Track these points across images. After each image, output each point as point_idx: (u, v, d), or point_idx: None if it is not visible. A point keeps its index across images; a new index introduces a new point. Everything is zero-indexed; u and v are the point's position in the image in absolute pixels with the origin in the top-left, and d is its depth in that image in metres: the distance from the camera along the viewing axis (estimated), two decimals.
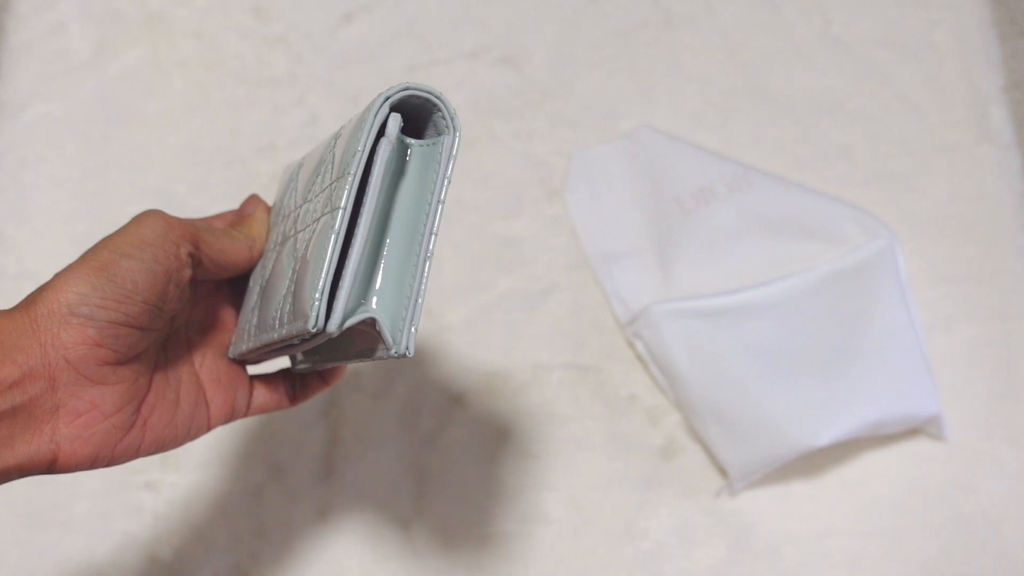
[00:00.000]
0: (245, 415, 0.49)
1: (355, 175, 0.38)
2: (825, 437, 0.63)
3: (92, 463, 0.41)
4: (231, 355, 0.48)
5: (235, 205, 0.74)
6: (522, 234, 0.73)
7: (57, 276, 0.41)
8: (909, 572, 0.64)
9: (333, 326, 0.37)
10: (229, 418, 0.48)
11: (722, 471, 0.66)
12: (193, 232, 0.44)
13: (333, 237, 0.37)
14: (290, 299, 0.40)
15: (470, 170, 0.75)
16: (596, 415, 0.68)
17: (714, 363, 0.65)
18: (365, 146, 0.38)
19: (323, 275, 0.37)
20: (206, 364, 0.48)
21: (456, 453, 0.67)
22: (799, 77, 0.77)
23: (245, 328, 0.46)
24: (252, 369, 0.51)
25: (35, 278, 0.72)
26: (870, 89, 0.77)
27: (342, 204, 0.37)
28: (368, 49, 0.79)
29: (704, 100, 0.77)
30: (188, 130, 0.77)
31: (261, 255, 0.48)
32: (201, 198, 0.74)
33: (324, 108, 0.77)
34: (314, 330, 0.37)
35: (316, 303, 0.37)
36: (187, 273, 0.44)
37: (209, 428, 0.47)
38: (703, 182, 0.70)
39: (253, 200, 0.50)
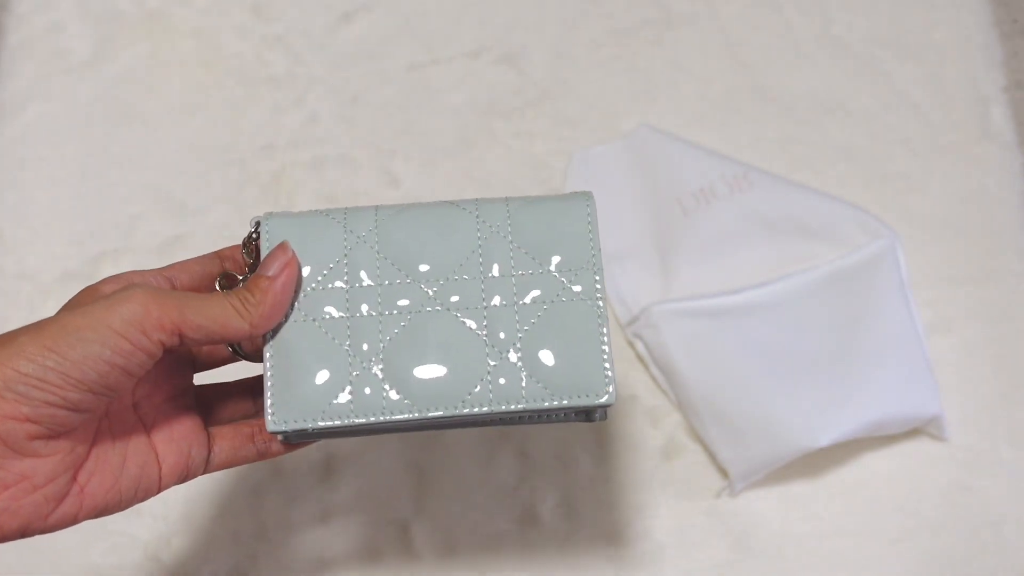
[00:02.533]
0: (207, 471, 0.47)
1: (599, 271, 0.46)
2: (826, 437, 0.63)
3: (22, 534, 0.39)
4: (294, 427, 0.45)
5: (234, 205, 0.74)
6: None
7: (4, 341, 0.39)
8: (909, 572, 0.64)
9: (614, 399, 0.45)
10: (184, 477, 0.45)
11: (722, 471, 0.66)
12: (176, 316, 0.41)
13: (601, 323, 0.46)
14: (521, 375, 0.45)
15: (470, 170, 0.75)
16: None
17: (714, 363, 0.65)
18: (598, 247, 0.47)
19: (603, 358, 0.45)
20: (158, 422, 0.45)
21: (456, 453, 0.67)
22: (799, 77, 0.77)
23: (332, 398, 0.45)
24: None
25: (34, 278, 0.72)
26: (870, 89, 0.77)
27: (599, 295, 0.46)
28: (368, 49, 0.79)
29: (704, 100, 0.77)
30: (187, 129, 0.77)
31: (267, 327, 0.44)
32: (200, 198, 0.74)
33: (324, 108, 0.77)
34: (602, 403, 0.45)
35: (607, 383, 0.45)
36: (154, 360, 0.41)
37: (160, 489, 0.45)
38: (703, 182, 0.70)
39: (281, 258, 0.45)
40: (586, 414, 0.47)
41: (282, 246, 0.45)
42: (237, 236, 0.68)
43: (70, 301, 0.43)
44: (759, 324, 0.66)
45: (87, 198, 0.75)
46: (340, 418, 0.44)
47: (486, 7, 0.80)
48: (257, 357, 0.47)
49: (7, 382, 0.38)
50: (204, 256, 0.48)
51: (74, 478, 0.41)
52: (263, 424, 0.47)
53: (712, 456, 0.66)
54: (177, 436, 0.45)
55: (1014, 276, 0.71)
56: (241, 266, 0.48)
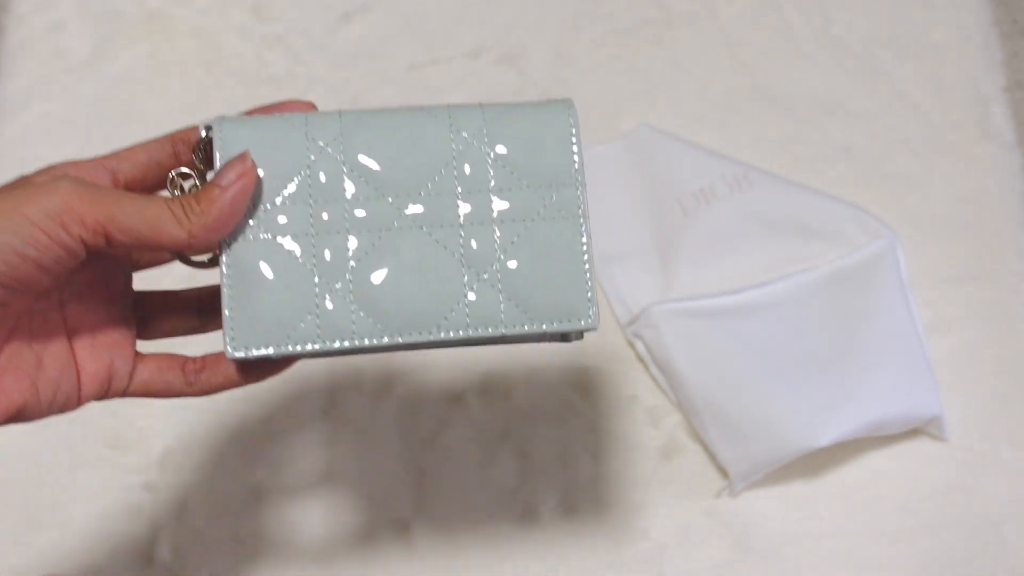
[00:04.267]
0: (126, 393, 0.43)
1: (582, 186, 0.44)
2: (826, 437, 0.63)
3: None
4: (256, 354, 0.41)
5: None
6: None
7: None
8: (909, 572, 0.64)
9: (598, 322, 0.43)
10: (105, 390, 0.42)
11: (722, 471, 0.66)
12: (102, 214, 0.37)
13: (584, 242, 0.43)
14: (499, 298, 0.43)
15: None
16: (596, 415, 0.68)
17: (714, 363, 0.65)
18: (581, 160, 0.44)
19: (586, 278, 0.43)
20: (83, 326, 0.42)
21: (456, 453, 0.67)
22: (799, 77, 0.77)
23: (298, 321, 0.42)
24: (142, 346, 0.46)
25: None
26: (870, 89, 0.77)
27: (582, 213, 0.44)
28: (368, 49, 0.79)
29: (704, 100, 0.77)
30: None
31: (209, 239, 0.40)
32: None
33: (324, 107, 0.77)
34: (585, 327, 0.43)
35: (589, 304, 0.43)
36: (76, 259, 0.38)
37: (81, 399, 0.42)
38: (704, 182, 0.70)
39: (238, 167, 0.41)
40: (562, 335, 0.45)
41: (242, 156, 0.41)
42: None
43: None
44: (759, 324, 0.66)
45: None
46: (306, 343, 0.41)
47: (486, 7, 0.80)
48: (201, 265, 0.44)
49: None
50: (153, 141, 0.43)
51: None
52: (197, 358, 0.44)
53: (712, 456, 0.66)
54: (100, 343, 0.42)
55: (1014, 276, 0.71)
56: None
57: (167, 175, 0.43)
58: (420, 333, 0.42)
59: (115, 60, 0.79)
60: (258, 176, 0.42)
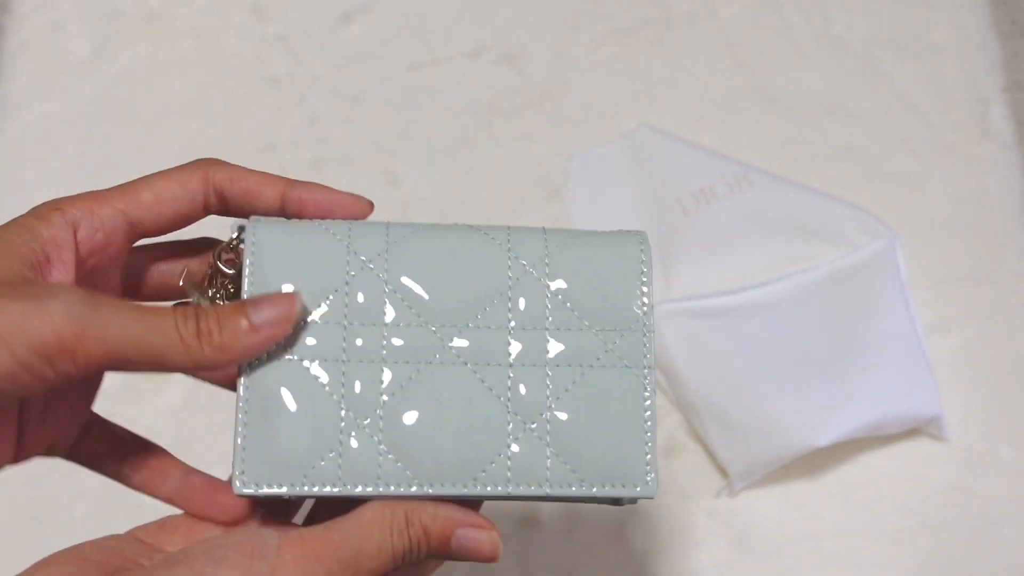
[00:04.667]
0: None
1: (650, 333, 0.39)
2: (825, 437, 0.63)
3: None
4: (266, 492, 0.37)
5: None
6: None
7: None
8: (909, 572, 0.64)
9: (656, 490, 0.39)
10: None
11: (722, 471, 0.66)
12: (101, 348, 0.32)
13: (647, 396, 0.39)
14: (546, 452, 0.38)
15: (470, 170, 0.75)
16: None
17: (714, 363, 0.65)
18: (651, 303, 0.40)
19: (646, 439, 0.38)
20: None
21: None
22: (799, 77, 0.77)
23: (318, 458, 0.37)
24: None
25: None
26: (870, 89, 0.77)
27: (648, 364, 0.39)
28: (368, 49, 0.79)
29: (704, 100, 0.77)
30: (188, 130, 0.77)
31: (219, 370, 0.37)
32: None
33: (324, 108, 0.77)
34: (641, 495, 0.38)
35: (648, 470, 0.38)
36: (51, 387, 0.32)
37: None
38: (703, 182, 0.70)
39: (281, 308, 0.36)
40: (612, 499, 0.40)
41: (290, 297, 0.36)
42: None
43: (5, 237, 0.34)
44: (759, 324, 0.66)
45: None
46: (324, 484, 0.36)
47: (486, 7, 0.80)
48: (214, 378, 0.40)
49: None
50: (183, 170, 0.38)
51: None
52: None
53: (712, 456, 0.66)
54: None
55: (1014, 276, 0.71)
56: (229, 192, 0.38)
57: (194, 218, 0.38)
58: (454, 485, 0.37)
59: (115, 60, 0.79)
60: (299, 318, 0.37)
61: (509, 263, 0.39)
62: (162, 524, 0.39)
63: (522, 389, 0.38)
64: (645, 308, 0.39)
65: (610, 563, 0.64)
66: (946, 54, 0.78)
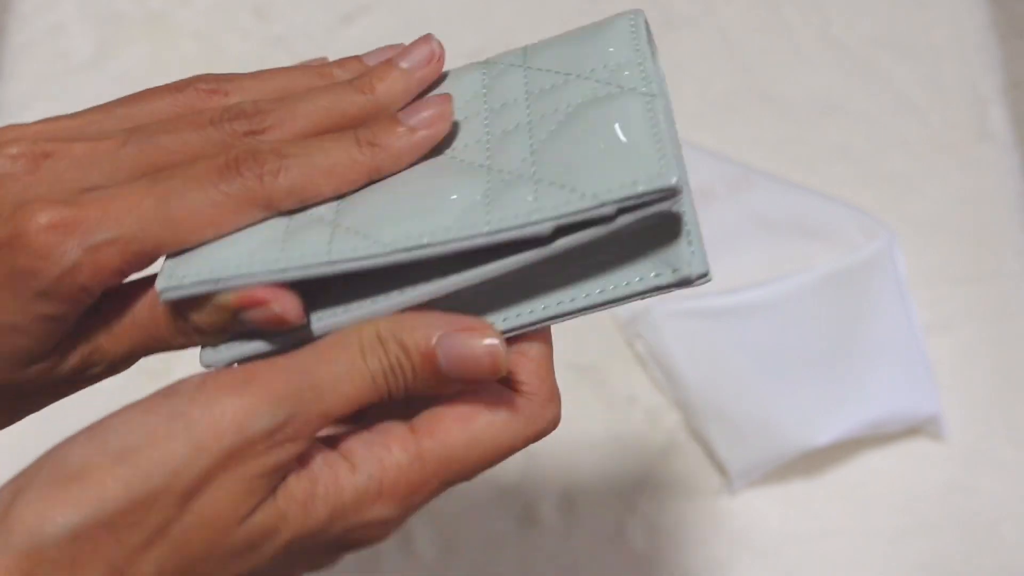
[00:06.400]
0: None
1: (652, 64, 0.32)
2: (824, 437, 0.63)
3: None
4: (182, 288, 0.29)
5: None
6: None
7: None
8: (909, 572, 0.64)
9: (681, 178, 0.30)
10: None
11: (722, 471, 0.66)
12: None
13: (664, 111, 0.31)
14: (531, 187, 0.29)
15: None
16: (596, 415, 0.68)
17: (714, 363, 0.65)
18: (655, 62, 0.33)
19: (657, 133, 0.30)
20: None
21: None
22: (799, 77, 0.77)
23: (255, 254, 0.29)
24: None
25: None
26: (869, 89, 0.77)
27: (657, 91, 0.31)
28: (368, 49, 0.79)
29: (704, 100, 0.77)
30: None
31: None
32: None
33: None
34: (670, 185, 0.29)
35: (667, 161, 0.30)
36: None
37: None
38: (703, 182, 0.71)
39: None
40: (661, 273, 0.31)
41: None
42: None
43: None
44: (758, 324, 0.66)
45: None
46: (261, 266, 0.29)
47: (486, 7, 0.80)
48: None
49: None
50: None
51: None
52: None
53: (711, 455, 0.66)
54: None
55: (1013, 276, 0.71)
56: None
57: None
58: (419, 239, 0.28)
59: (116, 61, 0.79)
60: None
61: (484, 71, 0.34)
62: None
63: (503, 152, 0.31)
64: (643, 62, 0.32)
65: (610, 563, 0.64)
66: (945, 55, 0.78)
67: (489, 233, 0.28)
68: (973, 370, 0.68)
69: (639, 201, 0.29)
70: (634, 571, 0.64)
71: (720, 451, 0.65)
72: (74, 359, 0.32)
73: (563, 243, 0.29)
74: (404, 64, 0.33)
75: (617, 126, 0.30)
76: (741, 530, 0.65)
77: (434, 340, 0.28)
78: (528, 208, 0.29)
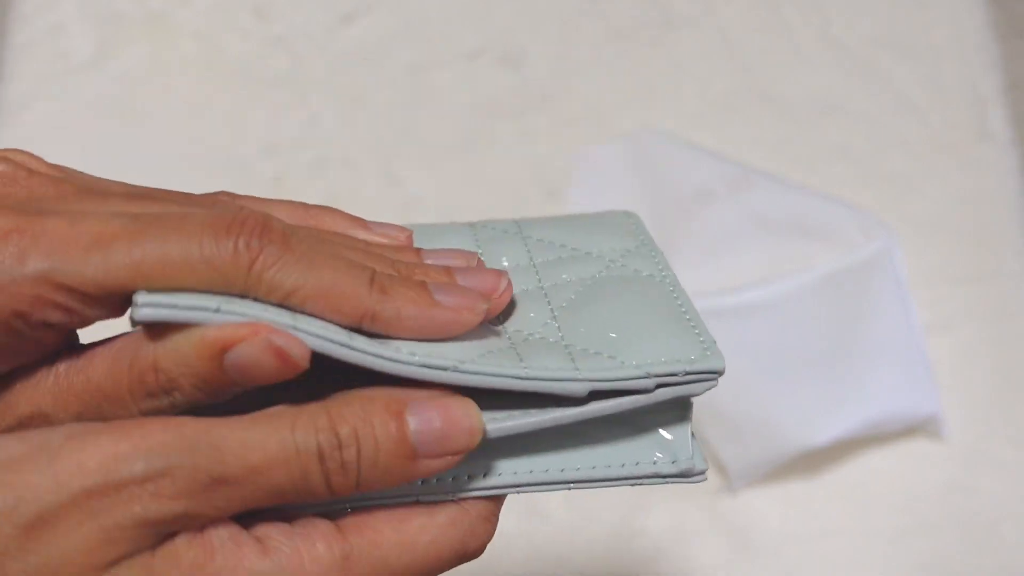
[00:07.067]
0: None
1: (660, 254, 0.33)
2: (824, 436, 0.63)
3: None
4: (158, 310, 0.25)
5: None
6: None
7: None
8: (909, 572, 0.64)
9: (722, 361, 0.29)
10: None
11: (722, 470, 0.66)
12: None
13: (685, 299, 0.32)
14: (556, 352, 0.29)
15: (470, 171, 0.75)
16: None
17: None
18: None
19: (687, 318, 0.31)
20: None
21: None
22: (799, 77, 0.77)
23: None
24: None
25: None
26: (869, 89, 0.77)
27: (672, 279, 0.32)
28: (368, 50, 0.79)
29: (704, 100, 0.77)
30: (189, 131, 0.77)
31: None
32: None
33: (325, 108, 0.77)
34: (713, 366, 0.29)
35: (708, 342, 0.29)
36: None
37: None
38: (703, 183, 0.71)
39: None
40: (673, 465, 0.30)
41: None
42: None
43: None
44: (758, 324, 0.66)
45: None
46: (275, 316, 0.25)
47: (486, 7, 0.80)
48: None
49: None
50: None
51: None
52: None
53: (711, 455, 0.66)
54: None
55: (1013, 276, 0.71)
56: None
57: None
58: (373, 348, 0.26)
59: (117, 61, 0.79)
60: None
61: (475, 233, 0.34)
62: None
63: (516, 317, 0.30)
64: (643, 241, 0.33)
65: (610, 562, 0.65)
66: (945, 55, 0.78)
67: (523, 378, 0.27)
68: (973, 370, 0.68)
69: (682, 379, 0.28)
70: (634, 570, 0.64)
71: (720, 451, 0.65)
72: (9, 419, 0.27)
73: (597, 407, 0.28)
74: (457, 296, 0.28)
75: (648, 303, 0.31)
76: (741, 530, 0.65)
77: (403, 410, 0.26)
78: (561, 365, 0.28)
